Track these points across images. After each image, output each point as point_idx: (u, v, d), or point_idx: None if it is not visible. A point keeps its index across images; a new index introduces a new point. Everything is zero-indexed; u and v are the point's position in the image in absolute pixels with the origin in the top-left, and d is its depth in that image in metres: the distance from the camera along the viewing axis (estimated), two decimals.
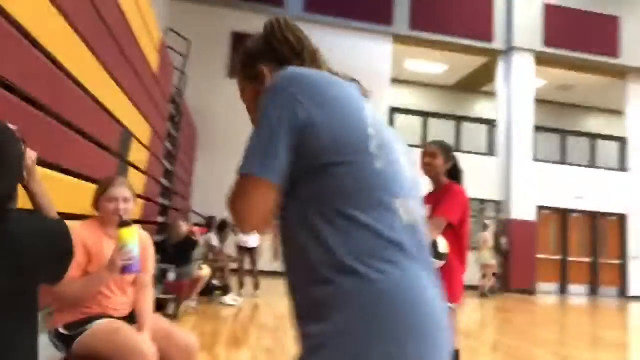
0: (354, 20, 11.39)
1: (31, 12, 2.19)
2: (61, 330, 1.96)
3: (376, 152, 0.91)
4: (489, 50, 12.42)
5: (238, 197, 0.93)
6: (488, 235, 10.15)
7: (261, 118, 0.93)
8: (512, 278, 11.28)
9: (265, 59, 1.10)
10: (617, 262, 12.57)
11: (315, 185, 0.90)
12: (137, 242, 1.95)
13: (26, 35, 2.15)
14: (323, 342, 0.83)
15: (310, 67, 1.06)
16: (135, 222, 2.22)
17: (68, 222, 1.35)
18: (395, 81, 12.62)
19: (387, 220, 0.88)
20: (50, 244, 1.22)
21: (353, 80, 1.07)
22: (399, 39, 11.89)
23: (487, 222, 10.50)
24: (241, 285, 7.24)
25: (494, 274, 10.19)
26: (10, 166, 1.16)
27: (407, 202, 0.93)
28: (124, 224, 1.93)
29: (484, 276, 10.11)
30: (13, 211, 1.20)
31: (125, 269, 1.92)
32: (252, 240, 7.16)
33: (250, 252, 7.21)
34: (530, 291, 11.11)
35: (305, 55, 1.09)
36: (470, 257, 10.11)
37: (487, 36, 12.23)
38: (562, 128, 13.44)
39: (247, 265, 7.27)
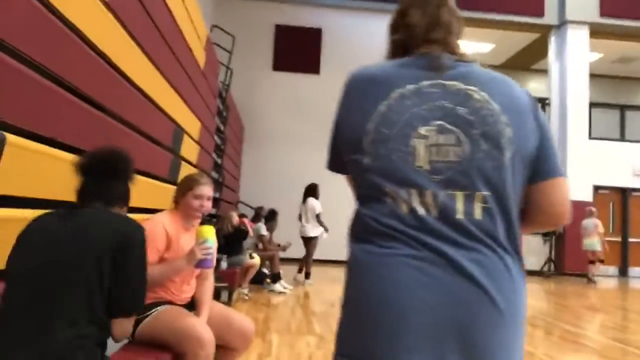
0: (397, 3, 11.19)
1: (88, 17, 2.33)
2: None
3: (368, 148, 0.97)
4: (540, 26, 11.87)
5: None
6: (598, 222, 9.88)
7: None
8: (566, 261, 10.89)
9: None
10: None
11: None
12: (214, 240, 2.08)
13: (84, 39, 2.30)
14: None
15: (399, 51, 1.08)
16: None
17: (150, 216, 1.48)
18: None
19: (376, 209, 0.96)
20: (118, 240, 1.38)
21: (425, 55, 1.02)
22: None
23: (592, 208, 10.15)
24: (301, 272, 7.44)
25: (601, 261, 10.00)
26: (125, 180, 1.57)
27: (408, 191, 0.93)
28: (206, 220, 2.08)
29: (591, 262, 9.93)
30: (94, 207, 1.46)
31: (201, 263, 2.07)
32: (310, 230, 7.27)
33: (306, 241, 7.33)
34: (586, 275, 10.68)
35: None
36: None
37: (538, 11, 11.67)
38: (621, 103, 12.69)
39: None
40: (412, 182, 0.93)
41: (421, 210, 0.92)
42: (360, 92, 1.02)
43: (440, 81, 0.98)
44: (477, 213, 0.92)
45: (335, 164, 1.12)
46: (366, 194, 0.98)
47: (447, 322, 0.86)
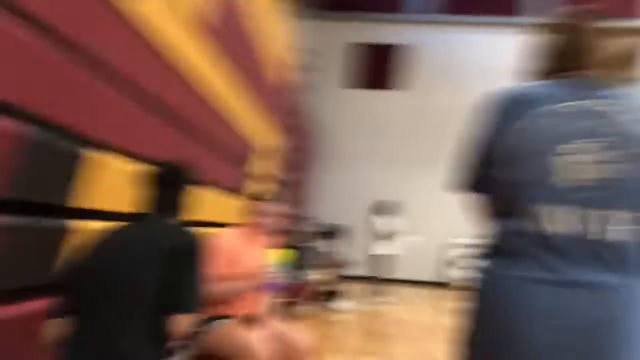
0: (479, 15, 10.80)
1: (178, 37, 2.46)
2: None
3: (511, 163, 0.99)
4: (633, 30, 10.91)
5: None
6: None
7: None
8: None
9: None
10: None
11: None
12: (280, 263, 2.17)
13: (168, 55, 2.44)
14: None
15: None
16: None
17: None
18: None
19: (511, 226, 0.98)
20: (177, 245, 1.50)
21: (575, 77, 1.05)
22: (526, 29, 10.98)
23: None
24: (373, 292, 7.42)
25: None
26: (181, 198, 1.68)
27: (546, 208, 0.94)
28: (276, 245, 2.16)
29: None
30: (153, 219, 1.58)
31: (266, 286, 2.13)
32: (378, 248, 7.28)
33: (376, 259, 7.32)
34: None
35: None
36: None
37: (630, 12, 10.69)
38: None
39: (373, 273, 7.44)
40: (550, 199, 0.95)
41: (556, 228, 0.93)
42: (508, 109, 1.05)
43: (588, 101, 1.01)
44: (613, 234, 0.92)
45: (472, 182, 1.12)
46: (502, 210, 1.01)
47: (575, 348, 0.88)
